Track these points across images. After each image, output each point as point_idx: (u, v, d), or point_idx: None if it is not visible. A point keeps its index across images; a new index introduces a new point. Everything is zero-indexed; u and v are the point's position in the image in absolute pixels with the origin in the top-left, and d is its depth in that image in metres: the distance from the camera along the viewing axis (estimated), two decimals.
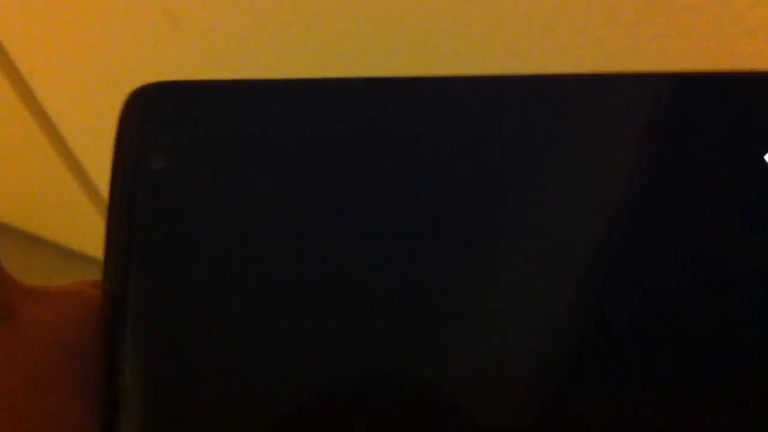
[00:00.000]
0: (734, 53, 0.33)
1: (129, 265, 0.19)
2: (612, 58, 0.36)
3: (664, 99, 0.19)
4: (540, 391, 0.18)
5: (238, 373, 0.18)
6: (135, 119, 0.19)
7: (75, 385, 0.18)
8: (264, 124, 0.19)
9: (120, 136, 0.19)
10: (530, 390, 0.18)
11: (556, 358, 0.18)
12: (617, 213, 0.18)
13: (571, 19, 0.36)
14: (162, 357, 0.18)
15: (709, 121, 0.19)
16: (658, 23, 0.34)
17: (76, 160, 0.72)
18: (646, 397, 0.17)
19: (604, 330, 0.18)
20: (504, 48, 0.39)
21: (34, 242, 0.96)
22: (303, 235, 0.18)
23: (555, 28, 0.36)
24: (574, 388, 0.18)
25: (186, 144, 0.19)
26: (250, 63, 0.48)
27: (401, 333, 0.18)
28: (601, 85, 0.19)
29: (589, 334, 0.18)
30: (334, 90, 0.19)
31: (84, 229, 0.89)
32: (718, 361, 0.18)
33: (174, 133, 0.19)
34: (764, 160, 0.18)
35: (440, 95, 0.19)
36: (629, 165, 0.19)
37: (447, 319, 0.18)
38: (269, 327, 0.18)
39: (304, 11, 0.43)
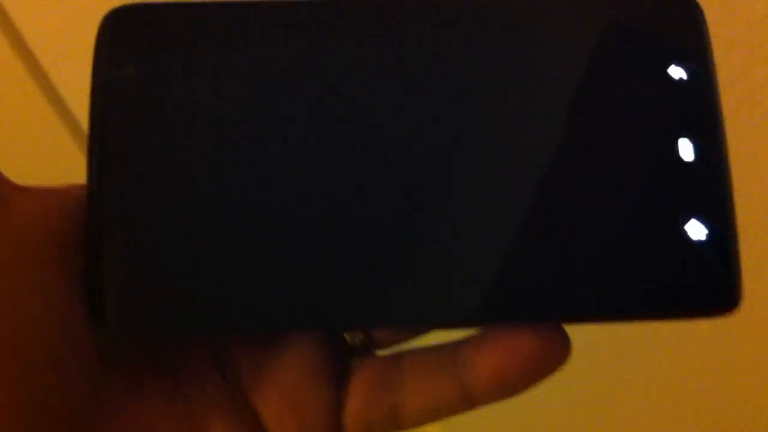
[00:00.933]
0: (741, 43, 0.33)
1: (104, 163, 0.21)
2: None
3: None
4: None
5: (201, 257, 0.20)
6: (108, 36, 0.21)
7: (57, 266, 0.19)
8: (221, 37, 0.21)
9: (96, 53, 0.21)
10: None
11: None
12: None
13: None
14: (134, 241, 0.20)
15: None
16: None
17: (57, 95, 0.71)
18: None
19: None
20: None
21: None
22: (255, 128, 0.21)
23: None
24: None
25: (153, 56, 0.21)
26: None
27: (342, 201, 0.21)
28: None
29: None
30: (292, 7, 0.22)
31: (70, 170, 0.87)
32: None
33: (142, 46, 0.21)
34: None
35: None
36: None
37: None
38: (227, 207, 0.21)
39: None
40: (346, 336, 0.24)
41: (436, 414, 0.22)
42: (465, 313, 0.20)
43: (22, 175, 0.21)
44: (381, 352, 0.24)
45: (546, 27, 0.21)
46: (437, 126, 0.21)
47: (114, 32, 0.21)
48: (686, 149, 0.21)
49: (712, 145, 0.21)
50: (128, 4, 0.22)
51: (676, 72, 0.21)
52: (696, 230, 0.20)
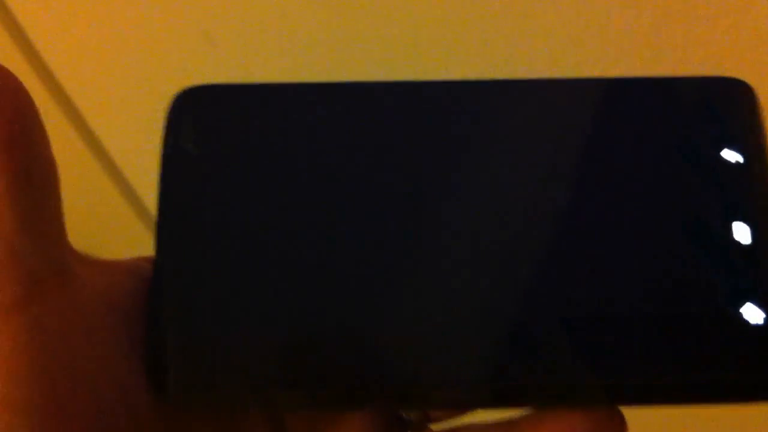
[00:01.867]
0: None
1: (170, 240, 0.21)
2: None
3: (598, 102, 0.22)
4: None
5: (261, 342, 0.21)
6: (177, 115, 0.22)
7: (119, 338, 0.20)
8: (283, 120, 0.22)
9: (166, 131, 0.22)
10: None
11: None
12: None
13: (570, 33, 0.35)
14: (198, 315, 0.21)
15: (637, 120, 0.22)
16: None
17: (121, 176, 0.73)
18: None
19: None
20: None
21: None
22: (315, 211, 0.21)
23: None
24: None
25: (219, 134, 0.22)
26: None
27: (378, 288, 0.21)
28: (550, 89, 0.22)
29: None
30: (344, 91, 0.23)
31: (133, 245, 0.90)
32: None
33: (210, 125, 0.22)
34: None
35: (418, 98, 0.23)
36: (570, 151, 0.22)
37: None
38: (283, 289, 0.21)
39: (327, 24, 0.43)
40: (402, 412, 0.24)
41: None
42: (523, 395, 0.20)
43: (84, 245, 0.22)
44: (436, 427, 0.24)
45: (600, 111, 0.22)
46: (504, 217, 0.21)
47: (183, 111, 0.22)
48: (742, 232, 0.20)
49: (763, 228, 0.20)
50: (197, 85, 0.22)
51: (731, 154, 0.21)
52: (753, 315, 0.20)
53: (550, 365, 0.20)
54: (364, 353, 0.20)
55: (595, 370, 0.20)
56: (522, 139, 0.22)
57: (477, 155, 0.21)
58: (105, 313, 0.20)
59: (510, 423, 0.22)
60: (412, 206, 0.21)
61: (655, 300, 0.20)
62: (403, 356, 0.20)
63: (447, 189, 0.21)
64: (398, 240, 0.21)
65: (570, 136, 0.21)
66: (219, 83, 0.23)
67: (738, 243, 0.20)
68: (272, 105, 0.22)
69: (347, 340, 0.21)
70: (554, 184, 0.21)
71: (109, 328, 0.20)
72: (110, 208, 0.78)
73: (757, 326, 0.19)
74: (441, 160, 0.22)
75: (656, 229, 0.20)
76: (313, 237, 0.21)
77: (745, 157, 0.21)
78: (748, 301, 0.20)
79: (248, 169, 0.22)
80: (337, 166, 0.22)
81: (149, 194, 0.75)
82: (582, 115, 0.22)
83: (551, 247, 0.21)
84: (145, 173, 0.71)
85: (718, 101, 0.21)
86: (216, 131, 0.22)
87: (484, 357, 0.20)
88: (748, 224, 0.20)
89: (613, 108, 0.22)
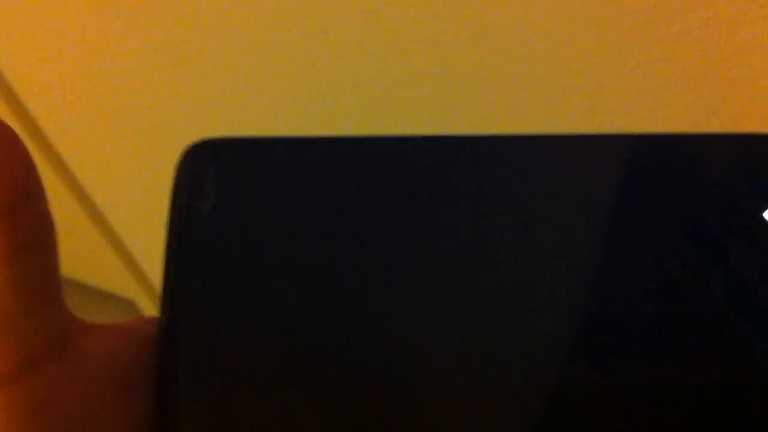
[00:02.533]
0: (722, 76, 0.34)
1: (179, 302, 0.20)
2: (600, 86, 0.36)
3: (640, 158, 0.21)
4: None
5: (277, 412, 0.20)
6: (187, 171, 0.21)
7: (123, 413, 0.19)
8: (299, 178, 0.21)
9: (175, 186, 0.21)
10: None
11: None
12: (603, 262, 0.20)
13: (561, 47, 0.36)
14: (209, 388, 0.20)
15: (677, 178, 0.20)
16: (645, 49, 0.34)
17: (87, 195, 0.73)
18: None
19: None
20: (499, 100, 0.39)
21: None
22: (328, 278, 0.20)
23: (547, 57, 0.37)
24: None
25: (231, 192, 0.21)
26: (257, 103, 0.49)
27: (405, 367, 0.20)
28: (583, 145, 0.21)
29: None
30: (363, 147, 0.22)
31: (99, 266, 0.89)
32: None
33: (220, 182, 0.21)
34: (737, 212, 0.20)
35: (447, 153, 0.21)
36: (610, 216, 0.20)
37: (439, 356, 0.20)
38: (299, 359, 0.20)
39: (316, 60, 0.44)
40: None
41: None
42: None
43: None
44: None
45: (641, 167, 0.21)
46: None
47: (193, 166, 0.21)
48: None
49: None
50: (207, 139, 0.22)
51: None
52: None
53: None
54: (375, 415, 0.20)
55: None
56: (556, 195, 0.21)
57: (502, 215, 0.21)
58: (104, 382, 0.19)
59: None
60: (431, 273, 0.20)
61: (695, 366, 0.19)
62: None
63: (475, 251, 0.20)
64: (419, 311, 0.20)
65: (607, 193, 0.20)
66: (230, 137, 0.22)
67: None
68: (285, 160, 0.21)
69: (360, 405, 0.20)
70: (593, 242, 0.20)
71: (108, 397, 0.19)
72: (79, 230, 0.78)
73: None
74: (466, 219, 0.21)
75: (698, 292, 0.20)
76: (325, 301, 0.20)
77: None
78: None
79: (260, 228, 0.21)
80: (355, 227, 0.21)
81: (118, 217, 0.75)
82: (621, 171, 0.21)
83: (588, 312, 0.20)
84: (113, 197, 0.71)
85: (760, 159, 0.21)
86: (227, 187, 0.21)
87: None
88: None
89: (656, 164, 0.21)
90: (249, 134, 0.22)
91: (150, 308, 0.92)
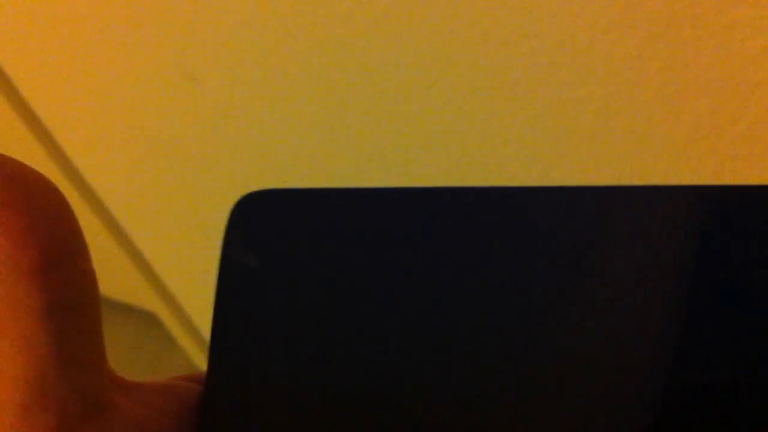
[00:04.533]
0: (739, 82, 0.33)
1: (227, 361, 0.20)
2: (615, 94, 0.36)
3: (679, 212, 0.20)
4: None
5: None
6: (240, 225, 0.21)
7: None
8: (348, 229, 0.20)
9: (226, 240, 0.20)
10: None
11: None
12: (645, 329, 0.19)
13: (573, 58, 0.36)
14: None
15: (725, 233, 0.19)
16: (662, 57, 0.34)
17: (106, 209, 0.74)
18: None
19: None
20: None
21: None
22: (378, 335, 0.20)
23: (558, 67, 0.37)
24: None
25: (281, 248, 0.20)
26: (263, 117, 0.49)
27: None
28: (610, 198, 0.20)
29: None
30: (416, 198, 0.21)
31: (120, 279, 0.90)
32: None
33: (272, 237, 0.20)
34: None
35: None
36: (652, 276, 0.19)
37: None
38: (346, 421, 0.19)
39: (321, 74, 0.44)
40: None
41: None
42: None
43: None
44: None
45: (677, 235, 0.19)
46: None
47: (244, 218, 0.21)
48: None
49: None
50: (259, 190, 0.21)
51: None
52: None
53: None
54: None
55: None
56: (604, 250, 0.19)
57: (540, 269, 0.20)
58: None
59: None
60: (481, 330, 0.19)
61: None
62: None
63: (523, 306, 0.19)
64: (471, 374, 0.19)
65: (632, 246, 0.19)
66: (281, 189, 0.21)
67: None
68: (337, 214, 0.20)
69: None
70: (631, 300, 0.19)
71: None
72: (96, 241, 0.78)
73: None
74: (522, 272, 0.20)
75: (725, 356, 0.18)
76: (379, 362, 0.19)
77: None
78: None
79: (310, 283, 0.20)
80: (406, 282, 0.20)
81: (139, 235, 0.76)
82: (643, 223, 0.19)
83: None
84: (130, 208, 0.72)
85: None
86: (278, 240, 0.20)
87: None
88: None
89: (694, 217, 0.19)
90: (294, 186, 0.21)
91: (170, 319, 0.92)
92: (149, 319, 1.17)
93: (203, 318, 0.90)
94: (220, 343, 0.20)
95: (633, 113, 0.36)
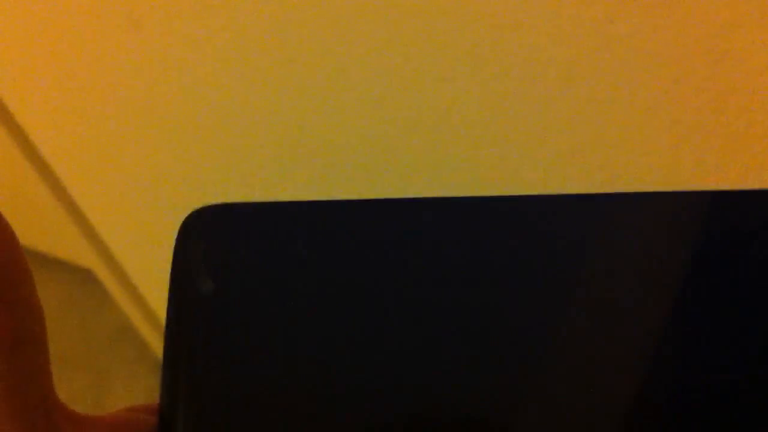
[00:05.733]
0: (705, 52, 0.33)
1: (181, 390, 0.19)
2: (579, 59, 0.35)
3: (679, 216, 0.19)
4: None
5: None
6: (187, 246, 0.19)
7: None
8: (304, 243, 0.19)
9: (175, 263, 0.19)
10: None
11: None
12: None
13: (538, 19, 0.35)
14: None
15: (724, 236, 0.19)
16: (631, 22, 0.34)
17: (44, 162, 0.71)
18: None
19: None
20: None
21: None
22: (341, 355, 0.19)
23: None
24: None
25: (234, 267, 0.19)
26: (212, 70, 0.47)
27: None
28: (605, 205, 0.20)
29: None
30: (374, 209, 0.20)
31: (54, 233, 0.87)
32: None
33: (226, 257, 0.19)
34: None
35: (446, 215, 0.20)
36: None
37: None
38: None
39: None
40: None
41: None
42: None
43: None
44: None
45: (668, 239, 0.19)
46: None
47: (192, 240, 0.19)
48: None
49: None
50: (207, 206, 0.20)
51: None
52: None
53: None
54: None
55: None
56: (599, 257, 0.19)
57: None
58: None
59: None
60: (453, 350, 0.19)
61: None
62: None
63: (500, 320, 0.19)
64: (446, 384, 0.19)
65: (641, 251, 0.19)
66: (229, 203, 0.20)
67: None
68: (289, 225, 0.19)
69: None
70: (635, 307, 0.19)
71: None
72: (33, 194, 0.76)
73: None
74: (482, 285, 0.19)
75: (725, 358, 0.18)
76: (334, 381, 0.19)
77: None
78: None
79: (266, 302, 0.19)
80: (366, 298, 0.19)
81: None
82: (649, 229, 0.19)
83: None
84: (70, 162, 0.70)
85: None
86: (231, 257, 0.19)
87: None
88: None
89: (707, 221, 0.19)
90: (246, 200, 0.20)
91: (107, 276, 0.90)
92: (85, 275, 1.15)
93: (140, 275, 0.88)
94: (172, 374, 0.19)
95: (596, 79, 0.36)
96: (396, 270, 0.19)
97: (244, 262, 0.19)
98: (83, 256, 0.91)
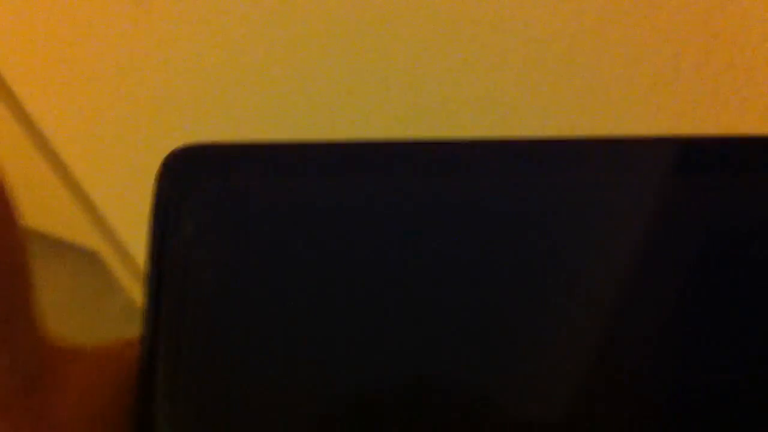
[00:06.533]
0: (703, 28, 0.33)
1: (161, 327, 0.19)
2: (581, 35, 0.36)
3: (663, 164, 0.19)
4: None
5: None
6: (169, 183, 0.19)
7: None
8: (296, 187, 0.19)
9: (155, 203, 0.19)
10: None
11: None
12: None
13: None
14: (191, 416, 0.19)
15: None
16: None
17: (48, 145, 0.71)
18: None
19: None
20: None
21: None
22: (328, 301, 0.19)
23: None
24: None
25: (218, 208, 0.19)
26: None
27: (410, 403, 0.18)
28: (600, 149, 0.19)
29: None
30: (360, 152, 0.19)
31: (59, 215, 0.88)
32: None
33: (207, 198, 0.19)
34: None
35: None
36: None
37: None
38: (290, 385, 0.18)
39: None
40: None
41: None
42: None
43: None
44: None
45: (636, 204, 0.19)
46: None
47: (175, 178, 0.19)
48: None
49: None
50: (192, 144, 0.19)
51: None
52: None
53: None
54: None
55: None
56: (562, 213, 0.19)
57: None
58: (93, 417, 0.18)
59: None
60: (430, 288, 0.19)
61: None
62: None
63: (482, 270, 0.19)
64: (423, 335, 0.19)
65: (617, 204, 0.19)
66: (218, 143, 0.19)
67: None
68: (275, 167, 0.19)
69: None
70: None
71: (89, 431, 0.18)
72: (36, 175, 0.76)
73: None
74: (478, 236, 0.19)
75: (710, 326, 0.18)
76: (318, 326, 0.19)
77: None
78: None
79: (248, 244, 0.19)
80: (354, 242, 0.19)
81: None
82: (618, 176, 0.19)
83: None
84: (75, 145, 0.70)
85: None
86: (213, 197, 0.19)
87: None
88: None
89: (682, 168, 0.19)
90: (236, 139, 0.19)
91: (112, 258, 0.91)
92: (90, 257, 1.15)
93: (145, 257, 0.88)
94: (152, 310, 0.19)
95: (597, 56, 0.36)
96: (390, 216, 0.19)
97: (227, 204, 0.19)
98: (89, 238, 0.91)
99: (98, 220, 0.82)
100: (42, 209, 0.91)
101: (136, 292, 0.98)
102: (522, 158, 0.19)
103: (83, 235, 0.93)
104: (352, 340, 0.19)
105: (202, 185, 0.19)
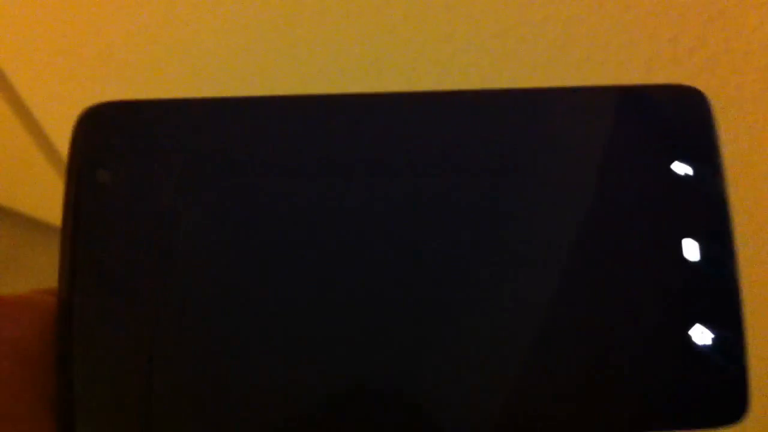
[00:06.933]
0: (700, 11, 0.33)
1: (79, 273, 0.19)
2: (575, 18, 0.35)
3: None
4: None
5: (181, 377, 0.19)
6: (84, 138, 0.20)
7: (27, 389, 0.19)
8: (201, 140, 0.20)
9: (71, 155, 0.20)
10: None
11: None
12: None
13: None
14: (110, 359, 0.19)
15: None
16: None
17: (39, 128, 0.71)
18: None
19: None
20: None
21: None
22: (239, 246, 0.19)
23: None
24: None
25: (130, 159, 0.20)
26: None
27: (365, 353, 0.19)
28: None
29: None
30: (275, 105, 0.20)
31: (48, 199, 0.87)
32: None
33: (119, 149, 0.20)
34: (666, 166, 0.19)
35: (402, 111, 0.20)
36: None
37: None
38: (210, 332, 0.19)
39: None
40: None
41: None
42: None
43: None
44: None
45: (546, 124, 0.20)
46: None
47: (89, 133, 0.20)
48: (693, 251, 0.19)
49: (720, 246, 0.19)
50: (104, 103, 0.20)
51: (682, 168, 0.19)
52: (703, 337, 0.18)
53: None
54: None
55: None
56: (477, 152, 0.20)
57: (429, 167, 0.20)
58: (11, 364, 0.18)
59: None
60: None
61: (606, 327, 0.19)
62: None
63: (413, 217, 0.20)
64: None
65: (519, 145, 0.19)
66: (127, 100, 0.20)
67: (689, 262, 0.19)
68: (189, 125, 0.20)
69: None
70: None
71: (16, 380, 0.18)
72: (27, 159, 0.76)
73: (706, 348, 0.18)
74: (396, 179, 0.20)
75: (604, 248, 0.19)
76: (232, 272, 0.19)
77: (697, 170, 0.19)
78: (699, 322, 0.19)
79: (162, 195, 0.19)
80: (263, 192, 0.19)
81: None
82: (525, 124, 0.20)
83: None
84: (65, 127, 0.69)
85: (669, 110, 0.20)
86: (126, 154, 0.20)
87: None
88: (699, 242, 0.19)
89: (564, 118, 0.20)
90: (159, 96, 0.20)
91: None
92: None
93: None
94: (69, 261, 0.19)
95: (591, 39, 0.36)
96: (299, 168, 0.19)
97: (139, 157, 0.20)
98: None
99: None
100: (31, 192, 0.90)
101: None
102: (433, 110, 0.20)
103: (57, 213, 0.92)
104: (264, 280, 0.19)
105: (116, 139, 0.20)
